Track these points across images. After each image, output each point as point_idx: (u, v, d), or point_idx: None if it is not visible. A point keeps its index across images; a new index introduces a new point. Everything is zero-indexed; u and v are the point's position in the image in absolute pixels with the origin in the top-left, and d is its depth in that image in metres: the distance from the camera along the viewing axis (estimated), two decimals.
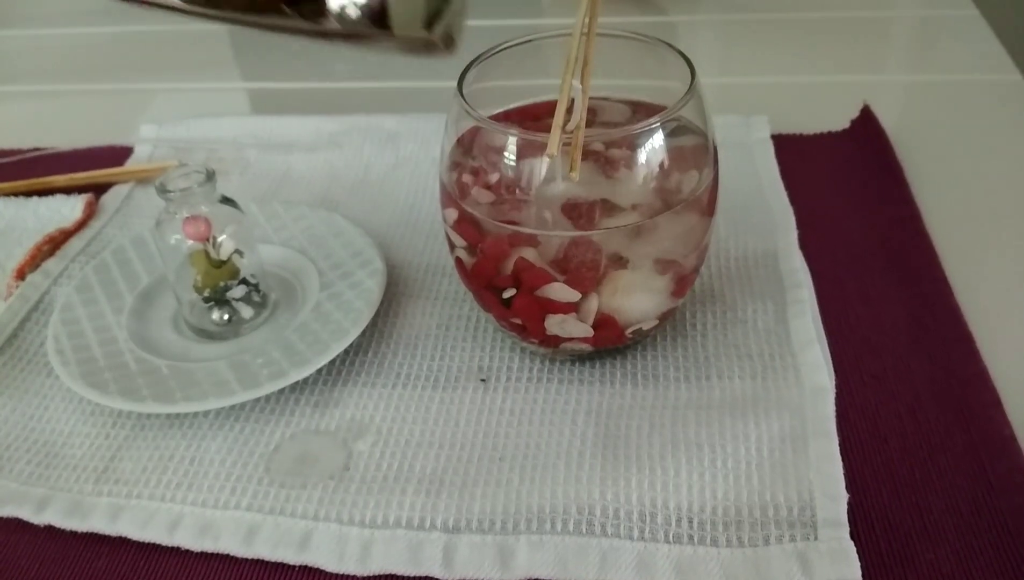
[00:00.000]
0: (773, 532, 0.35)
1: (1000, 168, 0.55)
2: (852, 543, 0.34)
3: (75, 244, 0.53)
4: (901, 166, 0.54)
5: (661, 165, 0.38)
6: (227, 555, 0.37)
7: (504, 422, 0.41)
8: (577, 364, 0.43)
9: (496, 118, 0.41)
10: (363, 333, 0.44)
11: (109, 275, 0.48)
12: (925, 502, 0.36)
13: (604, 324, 0.40)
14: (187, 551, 0.37)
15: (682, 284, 0.41)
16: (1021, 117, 0.60)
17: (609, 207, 0.39)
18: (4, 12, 0.92)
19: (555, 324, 0.40)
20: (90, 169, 0.60)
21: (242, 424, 0.42)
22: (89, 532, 0.38)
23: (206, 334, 0.46)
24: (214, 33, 0.85)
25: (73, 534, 0.38)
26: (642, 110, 0.43)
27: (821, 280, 0.46)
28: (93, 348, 0.44)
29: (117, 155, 0.63)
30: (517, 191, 0.39)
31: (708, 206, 0.40)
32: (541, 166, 0.38)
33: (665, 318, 0.42)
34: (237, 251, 0.44)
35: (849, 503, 0.35)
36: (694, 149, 0.40)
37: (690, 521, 0.35)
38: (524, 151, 0.38)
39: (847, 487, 0.36)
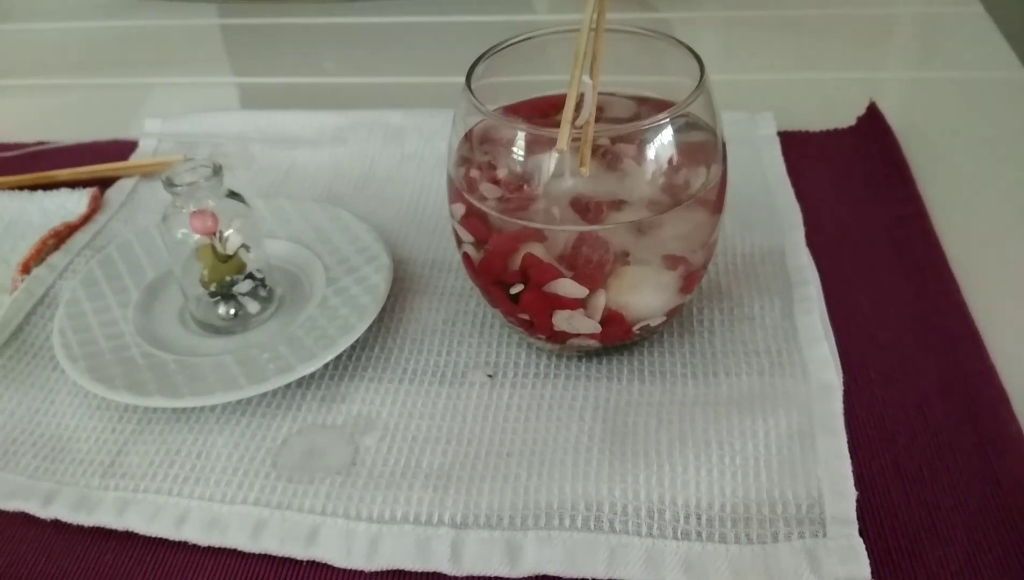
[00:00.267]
0: (782, 529, 0.35)
1: (1006, 165, 0.55)
2: (861, 540, 0.34)
3: (80, 238, 0.53)
4: (907, 163, 0.54)
5: (670, 161, 0.38)
6: (234, 550, 0.37)
7: (511, 418, 0.41)
8: (584, 360, 0.43)
9: (503, 113, 0.41)
10: (369, 328, 0.44)
11: (115, 269, 0.48)
12: (933, 499, 0.36)
13: (611, 320, 0.40)
14: (194, 545, 0.37)
15: (690, 280, 0.41)
16: None
17: (617, 203, 0.39)
18: (3, 8, 0.92)
19: (563, 320, 0.40)
20: (94, 163, 0.60)
21: (248, 419, 0.41)
22: (96, 526, 0.38)
23: (212, 328, 0.46)
24: (211, 28, 0.85)
25: (80, 528, 0.38)
26: (648, 106, 0.43)
27: (827, 277, 0.46)
28: (99, 342, 0.44)
29: (121, 149, 0.63)
30: (525, 186, 0.39)
31: (717, 202, 0.40)
32: (549, 161, 0.38)
33: (673, 314, 0.42)
34: (244, 246, 0.44)
35: (857, 500, 0.35)
36: (702, 145, 0.40)
37: (698, 518, 0.35)
38: (533, 146, 0.38)
39: (855, 484, 0.36)
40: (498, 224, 0.39)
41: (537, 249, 0.39)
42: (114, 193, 0.57)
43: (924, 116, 0.61)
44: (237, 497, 0.38)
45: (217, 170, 0.43)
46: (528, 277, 0.39)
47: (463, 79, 0.40)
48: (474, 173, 0.41)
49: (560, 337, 0.41)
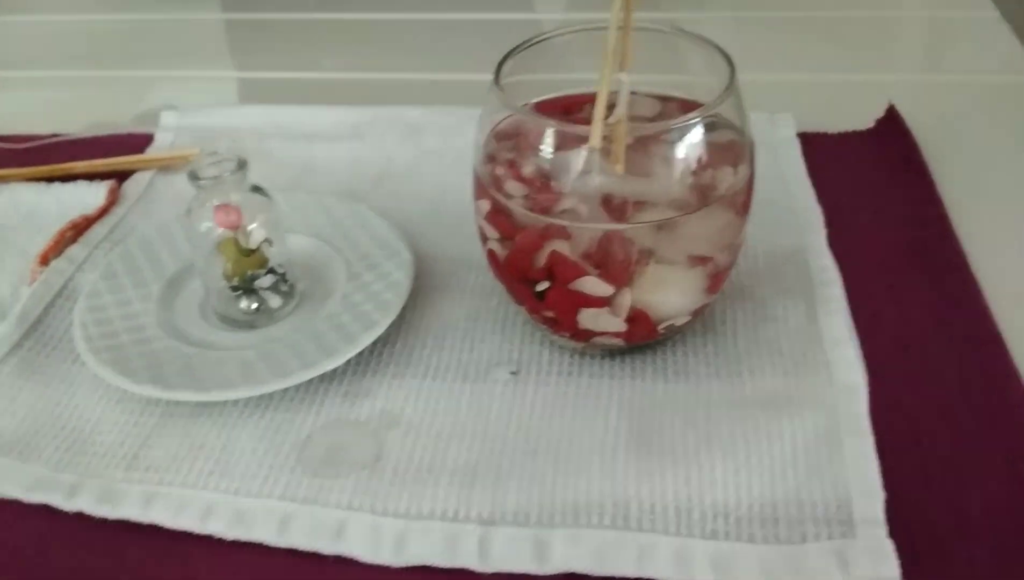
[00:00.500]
0: (810, 530, 0.35)
1: None
2: (890, 541, 0.34)
3: (98, 231, 0.53)
4: (927, 166, 0.54)
5: (699, 161, 0.38)
6: (259, 544, 0.36)
7: (536, 415, 0.41)
8: (607, 359, 0.43)
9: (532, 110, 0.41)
10: (391, 325, 0.44)
11: (135, 263, 0.48)
12: (961, 501, 0.36)
13: (637, 319, 0.40)
14: (219, 539, 0.37)
15: (716, 280, 0.41)
16: None
17: (644, 201, 0.39)
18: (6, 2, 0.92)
19: (588, 318, 0.40)
20: (109, 156, 0.60)
21: (271, 413, 0.41)
22: (119, 519, 0.37)
23: (233, 323, 0.45)
24: (220, 23, 0.85)
25: (103, 521, 0.38)
26: (672, 104, 0.43)
27: (849, 279, 0.46)
28: (121, 336, 0.44)
29: (136, 142, 0.62)
30: (552, 183, 0.39)
31: (744, 203, 0.40)
32: (577, 158, 0.38)
33: (697, 314, 0.42)
34: (267, 240, 0.44)
35: (884, 501, 0.35)
36: (731, 146, 0.40)
37: (726, 517, 0.35)
38: (561, 143, 0.38)
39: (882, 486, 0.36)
40: (524, 221, 0.39)
41: (562, 246, 0.39)
42: (131, 186, 0.57)
43: (940, 119, 0.61)
44: (263, 491, 0.38)
45: (242, 164, 0.43)
46: (554, 275, 0.39)
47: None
48: (500, 170, 0.41)
49: (584, 335, 0.41)
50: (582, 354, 0.43)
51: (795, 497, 0.36)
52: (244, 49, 0.82)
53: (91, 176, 0.58)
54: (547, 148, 0.38)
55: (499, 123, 0.41)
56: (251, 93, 0.75)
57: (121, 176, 0.58)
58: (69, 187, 0.56)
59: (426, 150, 0.59)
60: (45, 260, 0.50)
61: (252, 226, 0.43)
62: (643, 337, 0.41)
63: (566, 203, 0.39)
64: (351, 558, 0.36)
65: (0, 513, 0.39)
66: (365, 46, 0.79)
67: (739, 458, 0.37)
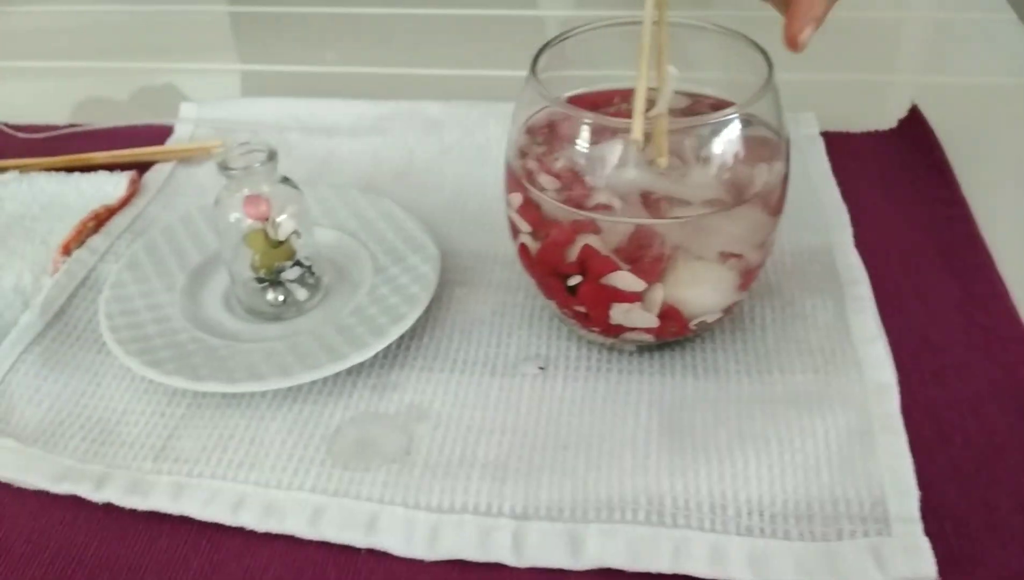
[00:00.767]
0: (846, 527, 0.35)
1: None
2: (926, 539, 0.34)
3: (120, 221, 0.53)
4: (951, 166, 0.54)
5: (735, 157, 0.38)
6: (290, 537, 0.36)
7: (565, 411, 0.40)
8: (636, 355, 0.43)
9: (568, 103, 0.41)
10: (418, 319, 0.44)
11: (159, 253, 0.48)
12: (993, 500, 0.36)
13: (669, 315, 0.40)
14: (249, 531, 0.36)
15: (748, 277, 0.41)
16: None
17: (677, 197, 0.39)
18: None
19: (620, 313, 0.40)
20: (127, 147, 0.60)
21: (300, 406, 0.41)
22: (149, 511, 0.37)
23: (259, 314, 0.45)
24: (233, 17, 0.84)
25: (130, 512, 0.38)
26: (704, 101, 0.43)
27: (875, 278, 0.46)
28: (147, 326, 0.43)
29: (154, 134, 0.62)
30: (587, 178, 0.39)
31: (778, 201, 0.40)
32: (613, 152, 0.38)
33: (728, 311, 0.42)
34: (295, 232, 0.44)
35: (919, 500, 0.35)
36: (764, 143, 0.40)
37: (761, 514, 0.35)
38: (597, 136, 0.38)
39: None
40: (557, 214, 0.39)
41: (595, 241, 0.39)
42: (152, 177, 0.57)
43: (959, 120, 0.61)
44: (293, 483, 0.38)
45: (272, 155, 0.43)
46: (586, 269, 0.39)
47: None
48: (533, 163, 0.41)
49: (615, 330, 0.41)
50: (610, 350, 0.43)
51: (829, 495, 0.36)
52: (250, 43, 0.82)
53: (111, 167, 0.57)
54: (582, 142, 0.38)
55: (532, 116, 0.41)
56: (257, 87, 0.75)
57: (141, 167, 0.58)
58: (89, 177, 0.56)
59: (447, 145, 0.59)
60: (67, 250, 0.50)
61: (281, 218, 0.43)
62: (675, 333, 0.41)
63: (599, 197, 0.39)
64: (384, 551, 0.35)
65: (27, 503, 0.39)
66: (367, 43, 0.79)
67: (772, 455, 0.37)
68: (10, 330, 0.46)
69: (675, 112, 0.42)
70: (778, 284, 0.46)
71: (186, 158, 0.59)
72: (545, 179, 0.40)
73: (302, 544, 0.36)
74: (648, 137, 0.36)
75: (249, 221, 0.43)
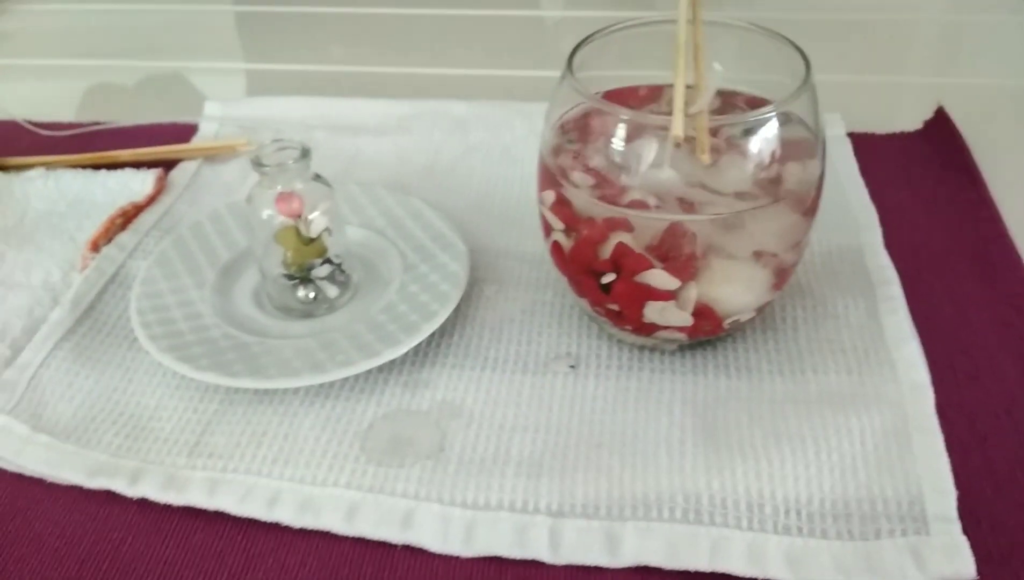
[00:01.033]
0: (884, 526, 0.34)
1: None
2: (965, 538, 0.34)
3: (147, 218, 0.53)
4: (978, 168, 0.54)
5: (772, 155, 0.38)
6: (325, 533, 0.36)
7: (598, 409, 0.40)
8: (667, 354, 0.43)
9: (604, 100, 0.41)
10: (447, 316, 0.44)
11: (188, 250, 0.48)
12: None
13: (703, 314, 0.40)
14: (284, 527, 0.36)
15: (782, 277, 0.41)
16: None
17: (712, 195, 0.39)
18: None
19: (655, 312, 0.40)
20: (150, 145, 0.60)
21: (333, 402, 0.41)
22: (182, 506, 0.37)
23: (289, 311, 0.45)
24: (249, 16, 0.85)
25: (165, 508, 0.38)
26: (737, 99, 0.43)
27: (905, 279, 0.46)
28: (179, 323, 0.43)
29: (178, 132, 0.62)
30: (622, 175, 0.39)
31: (813, 201, 0.40)
32: (648, 149, 0.38)
33: (760, 311, 0.42)
34: (327, 229, 0.44)
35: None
36: (799, 143, 0.40)
37: (798, 513, 0.35)
38: (633, 134, 0.38)
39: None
40: (591, 211, 0.39)
41: (628, 238, 0.39)
42: (178, 175, 0.57)
43: (985, 122, 0.61)
44: (328, 479, 0.38)
45: (305, 152, 0.43)
46: (620, 267, 0.39)
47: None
48: (567, 161, 0.41)
49: (648, 329, 0.41)
50: (640, 349, 0.43)
51: (867, 494, 0.36)
52: (262, 42, 0.83)
53: (137, 164, 0.58)
54: (618, 139, 0.38)
55: (566, 113, 0.41)
56: (272, 86, 0.75)
57: (167, 165, 0.58)
58: (116, 175, 0.56)
59: (473, 144, 0.59)
60: (96, 246, 0.50)
61: (313, 215, 0.43)
62: (708, 332, 0.41)
63: (633, 194, 0.39)
64: (420, 547, 0.35)
65: (60, 498, 0.39)
66: (371, 40, 0.79)
67: (808, 454, 0.37)
68: (40, 326, 0.46)
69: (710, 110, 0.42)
70: (808, 284, 0.46)
71: (211, 156, 0.59)
72: (579, 176, 0.40)
73: (337, 540, 0.36)
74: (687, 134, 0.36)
75: (281, 218, 0.43)
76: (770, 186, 0.39)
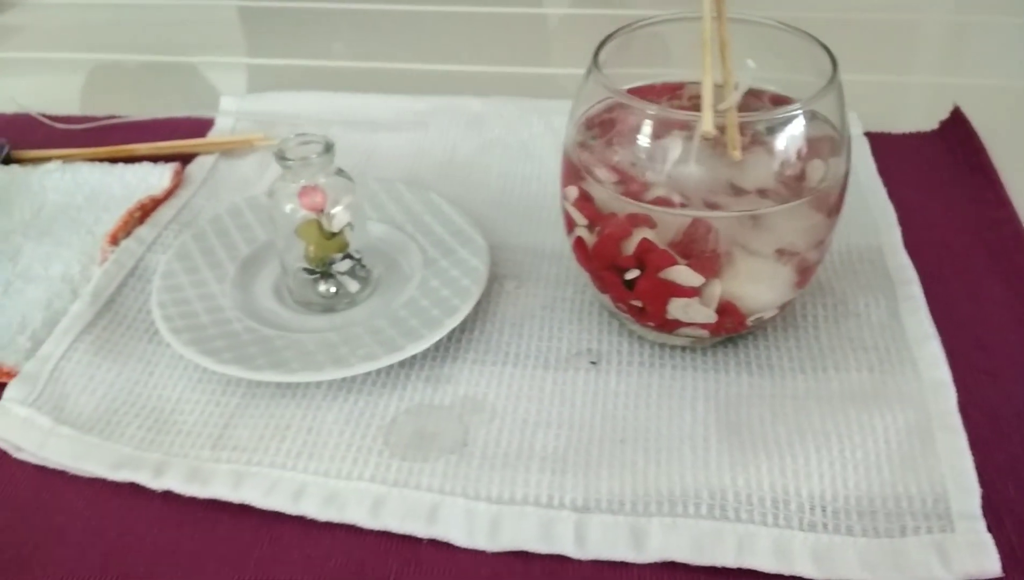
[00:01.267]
0: (909, 523, 0.35)
1: None
2: (990, 536, 0.34)
3: (165, 212, 0.53)
4: (995, 168, 0.54)
5: (798, 153, 0.38)
6: (349, 526, 0.36)
7: (620, 405, 0.41)
8: (688, 351, 0.43)
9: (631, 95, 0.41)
10: (468, 311, 0.44)
11: (208, 244, 0.48)
12: None
13: (726, 311, 0.40)
14: (309, 521, 0.37)
15: (805, 275, 0.41)
16: None
17: (735, 192, 0.39)
18: None
19: (678, 308, 0.40)
20: (166, 139, 0.60)
21: (355, 396, 0.41)
22: (205, 499, 0.37)
23: (310, 306, 0.45)
24: (260, 11, 0.85)
25: (189, 500, 0.38)
26: (761, 96, 0.43)
27: (924, 278, 0.46)
28: (200, 316, 0.43)
29: (193, 126, 0.62)
30: (647, 171, 0.39)
31: (837, 199, 0.40)
32: (674, 146, 0.38)
33: (783, 308, 0.42)
34: (349, 224, 0.44)
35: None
36: (824, 141, 0.40)
37: (823, 509, 0.35)
38: (658, 130, 0.38)
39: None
40: (615, 207, 0.39)
41: (653, 235, 0.39)
42: (195, 169, 0.57)
43: (1001, 123, 0.61)
44: (353, 473, 0.38)
45: (329, 147, 0.43)
46: (644, 263, 0.39)
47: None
48: (590, 156, 0.41)
49: (671, 325, 0.41)
50: (661, 346, 0.43)
51: (892, 491, 0.36)
52: (270, 37, 0.83)
53: (154, 158, 0.57)
54: (644, 135, 0.38)
55: (590, 109, 0.41)
56: (274, 81, 0.75)
57: (181, 159, 0.58)
58: (133, 168, 0.56)
59: (489, 140, 0.59)
60: (115, 240, 0.50)
61: (336, 209, 0.43)
62: (731, 329, 0.41)
63: (657, 190, 0.39)
64: (445, 542, 0.35)
65: (83, 491, 0.39)
66: (374, 38, 0.79)
67: (832, 451, 0.37)
68: (60, 318, 0.46)
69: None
70: (829, 282, 0.46)
71: (228, 150, 0.59)
72: (602, 172, 0.40)
73: (362, 533, 0.36)
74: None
75: (303, 212, 0.43)
76: (794, 184, 0.39)
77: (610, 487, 0.37)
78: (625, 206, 0.39)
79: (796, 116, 0.37)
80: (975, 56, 0.74)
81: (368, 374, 0.42)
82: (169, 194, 0.54)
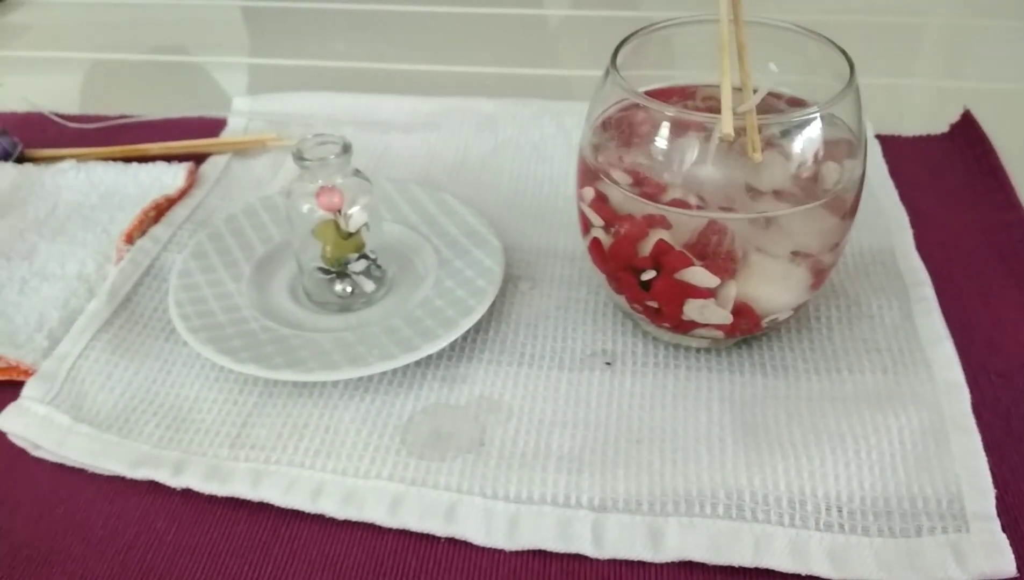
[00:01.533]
0: (925, 523, 0.35)
1: None
2: (1004, 536, 0.34)
3: (179, 212, 0.53)
4: (1005, 171, 0.54)
5: (815, 156, 0.38)
6: (368, 524, 0.37)
7: (636, 406, 0.41)
8: (703, 352, 0.43)
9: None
10: (484, 312, 0.44)
11: (223, 243, 0.48)
12: None
13: (742, 312, 0.40)
14: (327, 519, 0.37)
15: (820, 277, 0.41)
16: None
17: (753, 194, 0.39)
18: None
19: (694, 309, 0.40)
20: (179, 139, 0.60)
21: (372, 395, 0.41)
22: (224, 497, 0.38)
23: (326, 305, 0.46)
24: (269, 12, 0.85)
25: (208, 498, 0.38)
26: (779, 99, 0.43)
27: (936, 280, 0.46)
28: (217, 315, 0.44)
29: (206, 126, 0.63)
30: (663, 173, 0.39)
31: (853, 202, 0.40)
32: (691, 148, 0.38)
33: (798, 310, 0.42)
34: (365, 224, 0.44)
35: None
36: (841, 144, 0.40)
37: (839, 510, 0.36)
38: (675, 132, 0.38)
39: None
40: (631, 208, 0.39)
41: (668, 236, 0.39)
42: (208, 169, 0.57)
43: (1011, 126, 0.61)
44: (371, 472, 0.38)
45: (347, 147, 0.43)
46: (660, 264, 0.40)
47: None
48: (603, 158, 0.41)
49: (686, 326, 0.41)
50: (676, 347, 0.44)
51: (907, 492, 0.36)
52: (278, 38, 0.83)
53: (167, 157, 0.58)
54: (661, 137, 0.38)
55: (606, 110, 0.41)
56: (282, 81, 0.75)
57: (195, 158, 0.58)
58: (147, 168, 0.56)
59: (502, 141, 0.59)
60: (130, 239, 0.50)
61: (353, 210, 0.43)
62: (747, 330, 0.42)
63: (673, 192, 0.39)
64: (463, 540, 0.36)
65: (102, 489, 0.39)
66: (379, 39, 0.79)
67: (848, 452, 0.37)
68: (77, 317, 0.46)
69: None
70: (842, 284, 0.46)
71: (241, 150, 0.59)
72: (618, 174, 0.40)
73: (380, 532, 0.36)
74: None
75: (320, 212, 0.43)
76: (810, 186, 0.39)
77: (627, 487, 0.37)
78: (641, 207, 0.39)
79: (814, 118, 0.37)
80: (985, 59, 0.75)
81: (384, 374, 0.42)
82: (183, 194, 0.55)
